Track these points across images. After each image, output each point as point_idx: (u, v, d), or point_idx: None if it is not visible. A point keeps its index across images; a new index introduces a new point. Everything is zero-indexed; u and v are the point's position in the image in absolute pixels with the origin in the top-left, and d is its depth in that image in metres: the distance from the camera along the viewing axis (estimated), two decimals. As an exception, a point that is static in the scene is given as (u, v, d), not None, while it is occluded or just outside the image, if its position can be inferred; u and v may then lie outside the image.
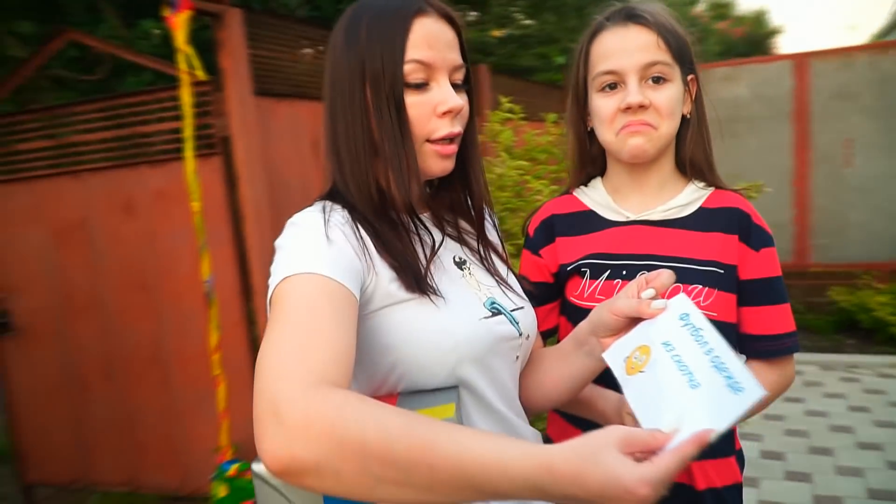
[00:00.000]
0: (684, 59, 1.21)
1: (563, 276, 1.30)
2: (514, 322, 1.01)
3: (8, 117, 2.88)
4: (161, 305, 2.71)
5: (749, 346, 1.24)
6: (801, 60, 5.59)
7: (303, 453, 0.67)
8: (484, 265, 1.06)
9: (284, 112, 2.86)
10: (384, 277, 0.91)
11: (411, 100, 0.93)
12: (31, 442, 3.02)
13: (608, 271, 1.24)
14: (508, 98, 3.18)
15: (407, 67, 0.92)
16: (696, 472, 1.22)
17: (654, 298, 0.88)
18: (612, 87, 1.19)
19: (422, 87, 0.94)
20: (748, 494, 2.76)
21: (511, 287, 1.06)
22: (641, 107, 1.16)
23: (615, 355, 0.88)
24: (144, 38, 2.70)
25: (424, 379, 0.92)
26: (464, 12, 5.69)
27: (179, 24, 2.30)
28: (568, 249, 1.30)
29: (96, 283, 2.80)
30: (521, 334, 1.02)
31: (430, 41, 0.93)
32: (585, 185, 1.35)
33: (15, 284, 2.92)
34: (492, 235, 1.13)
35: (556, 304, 1.35)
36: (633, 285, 0.92)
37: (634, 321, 0.89)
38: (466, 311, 0.96)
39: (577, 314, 1.24)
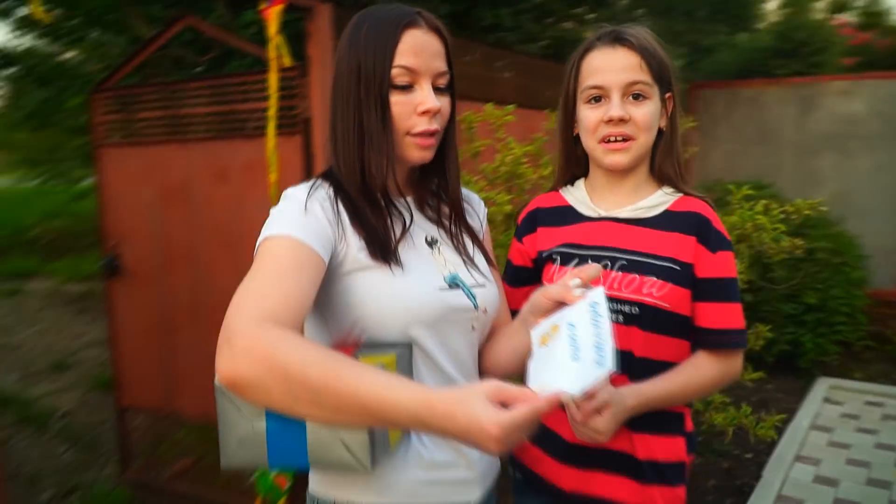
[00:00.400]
0: (663, 80, 1.37)
1: (540, 261, 1.49)
2: (472, 296, 1.19)
3: (132, 89, 3.32)
4: (243, 263, 3.03)
5: (700, 337, 1.39)
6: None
7: (244, 372, 0.86)
8: (454, 245, 1.23)
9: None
10: (353, 246, 1.11)
11: (395, 99, 1.12)
12: (127, 371, 3.48)
13: (576, 260, 1.42)
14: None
15: (394, 71, 1.11)
16: (636, 443, 1.38)
17: (580, 287, 1.04)
18: (598, 99, 1.38)
19: (406, 88, 1.12)
20: None
21: (476, 267, 1.24)
22: (622, 120, 1.34)
23: (536, 332, 1.05)
24: (247, 26, 3.05)
25: (380, 333, 1.11)
26: (583, 13, 5.78)
27: (273, 16, 2.61)
28: (546, 239, 1.49)
29: (191, 239, 3.20)
30: (476, 308, 1.19)
31: (417, 50, 1.12)
32: (571, 185, 1.53)
33: (125, 234, 3.37)
34: (472, 221, 1.31)
35: (535, 287, 1.54)
36: (567, 275, 1.09)
37: (563, 304, 1.06)
38: (424, 282, 1.14)
39: None
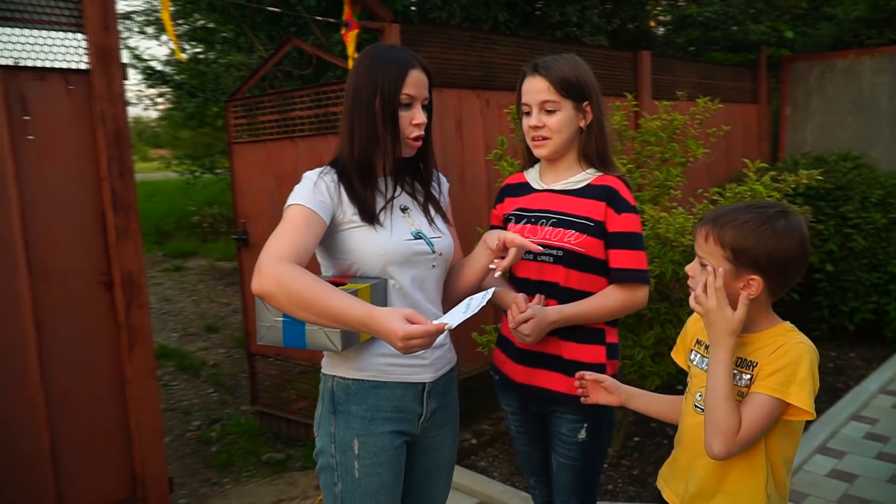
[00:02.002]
0: (574, 94, 1.91)
1: (505, 221, 2.07)
2: (430, 244, 1.76)
3: (254, 98, 4.14)
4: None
5: (611, 276, 1.93)
6: None
7: (265, 289, 1.44)
8: (422, 211, 1.81)
9: (434, 98, 3.76)
10: (348, 212, 1.67)
11: (401, 113, 1.70)
12: (254, 324, 4.33)
13: (524, 219, 2.00)
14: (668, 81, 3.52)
15: (402, 96, 1.69)
16: (563, 348, 1.95)
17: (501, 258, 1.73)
18: (527, 113, 1.95)
19: (407, 107, 1.71)
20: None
21: (436, 225, 1.81)
22: (538, 127, 1.92)
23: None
24: (337, 44, 3.77)
25: (367, 271, 1.69)
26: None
27: (350, 38, 3.30)
28: (509, 206, 2.08)
29: (299, 217, 3.97)
30: (433, 251, 1.77)
31: (415, 83, 1.70)
32: (532, 167, 2.09)
33: (251, 213, 4.21)
34: (436, 193, 1.89)
35: None
36: (502, 235, 1.74)
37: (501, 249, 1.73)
38: (396, 235, 1.69)
39: None
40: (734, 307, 1.41)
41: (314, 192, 1.63)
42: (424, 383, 1.76)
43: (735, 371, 1.45)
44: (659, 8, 5.92)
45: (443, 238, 1.82)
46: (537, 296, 1.90)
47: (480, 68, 4.04)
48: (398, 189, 1.78)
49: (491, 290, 1.55)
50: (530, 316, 1.83)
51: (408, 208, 1.80)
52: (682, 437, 1.62)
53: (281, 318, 1.60)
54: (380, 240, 1.68)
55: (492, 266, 1.77)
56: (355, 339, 1.66)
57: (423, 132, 1.74)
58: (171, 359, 5.85)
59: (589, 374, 1.79)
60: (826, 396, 4.34)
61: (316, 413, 1.79)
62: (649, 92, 5.15)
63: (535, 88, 1.90)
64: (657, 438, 3.89)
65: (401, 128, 1.70)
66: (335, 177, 1.70)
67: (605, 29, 4.91)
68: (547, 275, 1.93)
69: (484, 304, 1.48)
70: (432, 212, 1.84)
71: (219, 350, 6.16)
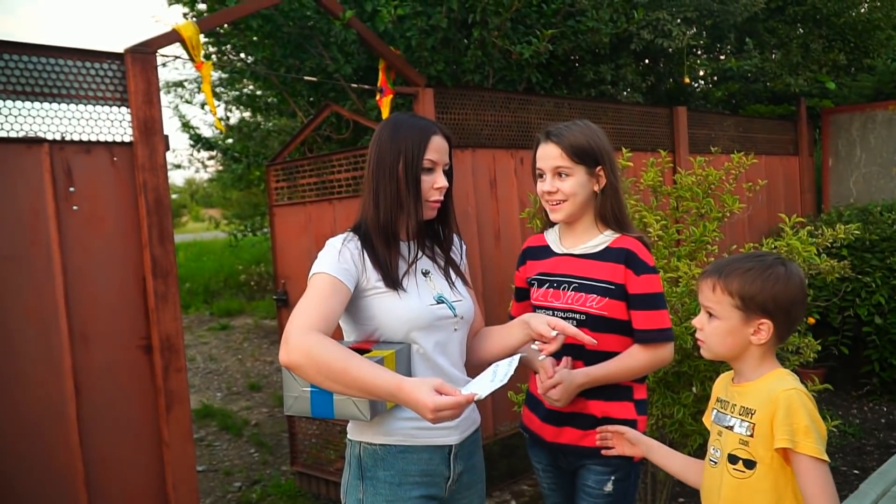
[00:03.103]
0: (587, 159, 1.94)
1: (529, 284, 2.08)
2: (452, 308, 1.77)
3: (295, 161, 4.26)
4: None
5: (636, 335, 1.93)
6: None
7: (294, 361, 1.44)
8: (443, 274, 1.83)
9: (468, 158, 3.83)
10: (372, 278, 1.68)
11: (423, 178, 1.75)
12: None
13: (546, 283, 2.02)
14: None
15: (424, 161, 1.73)
16: (592, 408, 1.94)
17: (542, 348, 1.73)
18: (541, 176, 1.98)
19: (429, 171, 1.75)
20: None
21: (457, 289, 1.83)
22: (551, 192, 1.95)
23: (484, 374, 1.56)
24: (373, 109, 3.88)
25: (391, 336, 1.69)
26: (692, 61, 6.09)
27: (385, 104, 3.40)
28: (531, 268, 2.11)
29: (336, 277, 4.02)
30: (455, 315, 1.78)
31: (437, 148, 1.75)
32: (552, 228, 2.11)
33: (291, 273, 4.29)
34: (455, 257, 1.90)
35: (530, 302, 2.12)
36: (553, 322, 1.73)
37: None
38: (420, 300, 1.71)
39: (535, 308, 2.04)
40: (743, 354, 1.53)
41: (339, 260, 1.65)
42: (451, 446, 1.75)
43: (737, 419, 1.53)
44: (698, 63, 5.94)
45: (464, 301, 1.83)
46: (564, 358, 1.90)
47: (514, 128, 4.09)
48: (419, 253, 1.80)
49: (517, 357, 1.55)
50: (558, 381, 1.86)
51: (429, 272, 1.81)
52: (702, 490, 1.67)
53: (309, 389, 1.60)
54: (404, 306, 1.69)
55: (534, 347, 1.76)
56: (383, 407, 1.66)
57: (441, 196, 1.77)
58: (215, 418, 5.91)
59: (612, 427, 1.87)
60: (878, 453, 4.15)
61: (343, 479, 1.78)
62: (686, 147, 5.13)
63: (549, 154, 1.95)
64: (704, 502, 3.74)
65: (422, 191, 1.73)
66: (359, 243, 1.72)
67: (639, 86, 4.94)
68: (573, 338, 1.92)
69: (512, 372, 1.48)
70: (452, 275, 1.86)
71: (261, 409, 6.20)
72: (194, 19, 3.96)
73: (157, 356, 2.63)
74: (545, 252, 2.08)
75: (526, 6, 4.10)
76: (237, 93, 6.85)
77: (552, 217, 2.00)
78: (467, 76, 4.01)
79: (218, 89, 7.67)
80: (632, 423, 1.94)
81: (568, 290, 1.96)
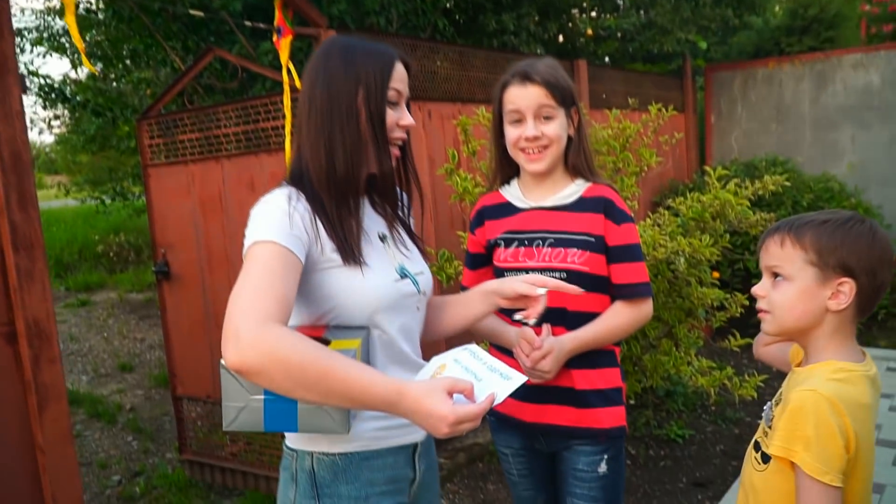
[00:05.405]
0: (566, 101, 1.71)
1: (490, 247, 1.84)
2: (416, 282, 1.45)
3: (172, 115, 3.75)
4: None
5: (616, 291, 1.74)
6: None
7: (250, 363, 1.07)
8: (399, 238, 1.49)
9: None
10: (327, 248, 1.31)
11: (388, 112, 1.38)
12: (179, 364, 3.92)
13: (515, 242, 1.76)
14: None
15: (390, 92, 1.36)
16: (575, 378, 1.73)
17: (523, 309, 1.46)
18: (519, 121, 1.71)
19: (393, 105, 1.39)
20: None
21: (414, 257, 1.50)
22: (536, 137, 1.69)
23: (426, 369, 1.29)
24: (266, 54, 3.44)
25: (349, 320, 1.35)
26: (588, 7, 6.02)
27: (283, 46, 3.00)
28: (492, 229, 1.84)
29: (227, 244, 3.61)
30: (419, 292, 1.47)
31: (401, 78, 1.40)
32: (507, 184, 1.87)
33: (172, 242, 3.81)
34: (406, 217, 1.57)
35: (490, 268, 1.87)
36: (530, 279, 1.47)
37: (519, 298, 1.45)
38: (383, 276, 1.37)
39: (499, 273, 1.78)
40: (815, 329, 1.27)
41: (288, 225, 1.26)
42: (417, 444, 1.47)
43: (771, 403, 1.37)
44: (582, 20, 5.87)
45: (425, 274, 1.52)
46: (545, 326, 1.69)
47: (420, 77, 3.79)
48: (373, 211, 1.48)
49: (474, 346, 1.29)
50: (548, 350, 1.64)
51: (385, 237, 1.48)
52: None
53: (261, 397, 1.20)
54: (369, 283, 1.35)
55: (518, 317, 1.49)
56: (357, 413, 1.33)
57: (405, 136, 1.45)
58: (82, 405, 5.29)
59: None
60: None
61: (280, 499, 1.42)
62: (587, 101, 5.04)
63: (530, 95, 1.70)
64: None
65: (387, 129, 1.38)
66: (307, 204, 1.34)
67: (541, 37, 4.77)
68: (552, 300, 1.70)
69: (486, 358, 1.24)
70: (407, 240, 1.53)
71: (136, 392, 5.63)
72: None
73: (23, 345, 2.15)
74: (507, 209, 1.83)
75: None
76: (88, 43, 6.00)
77: (531, 167, 1.75)
78: (371, 17, 3.66)
79: (63, 39, 6.76)
80: (618, 391, 1.78)
81: (543, 246, 1.74)
